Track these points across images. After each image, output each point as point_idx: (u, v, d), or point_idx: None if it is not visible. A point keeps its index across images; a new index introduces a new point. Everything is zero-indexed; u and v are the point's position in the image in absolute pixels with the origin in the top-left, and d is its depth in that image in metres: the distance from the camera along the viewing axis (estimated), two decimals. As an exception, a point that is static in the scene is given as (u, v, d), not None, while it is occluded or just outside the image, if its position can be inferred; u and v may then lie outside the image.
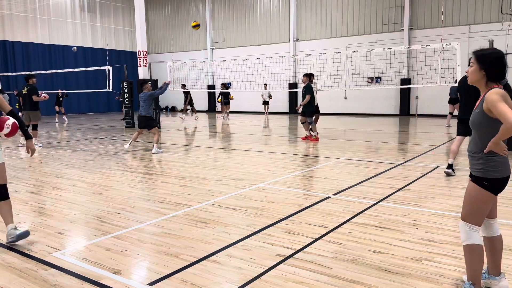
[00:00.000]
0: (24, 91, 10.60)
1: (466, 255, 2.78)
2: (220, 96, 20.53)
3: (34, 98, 10.49)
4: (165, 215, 4.74)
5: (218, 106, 22.94)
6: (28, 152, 4.09)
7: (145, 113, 9.83)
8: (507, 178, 2.74)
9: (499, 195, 2.83)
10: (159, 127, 15.83)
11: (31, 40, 24.14)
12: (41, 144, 11.05)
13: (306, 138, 11.49)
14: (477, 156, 2.74)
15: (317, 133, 11.57)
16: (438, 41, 17.03)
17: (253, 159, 8.72)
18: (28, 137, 4.06)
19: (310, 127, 11.49)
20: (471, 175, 2.82)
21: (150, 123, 9.84)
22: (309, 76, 11.44)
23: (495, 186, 2.72)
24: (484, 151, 2.67)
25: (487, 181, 2.71)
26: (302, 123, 11.66)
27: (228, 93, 20.83)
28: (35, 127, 10.70)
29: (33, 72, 20.87)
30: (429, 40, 18.77)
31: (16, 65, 23.39)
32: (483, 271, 2.93)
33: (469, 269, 2.76)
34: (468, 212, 2.79)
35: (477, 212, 2.76)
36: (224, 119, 20.30)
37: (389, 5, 20.76)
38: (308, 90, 11.18)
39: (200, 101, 27.75)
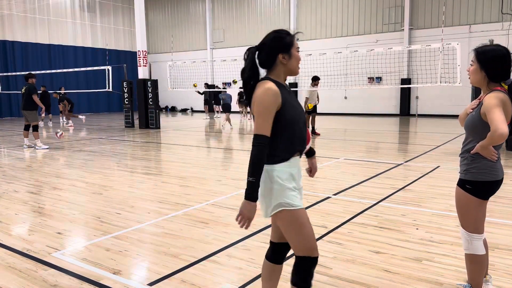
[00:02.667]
0: (23, 90, 10.37)
1: (466, 263, 2.71)
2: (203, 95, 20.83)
3: (35, 98, 10.22)
4: (164, 215, 4.73)
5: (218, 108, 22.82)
6: (310, 173, 2.64)
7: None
8: (496, 182, 2.53)
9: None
10: (159, 127, 15.84)
11: (30, 40, 24.13)
12: (47, 146, 10.57)
13: None
14: (464, 156, 2.59)
15: None
16: (438, 41, 17.02)
17: (253, 159, 8.70)
18: (311, 153, 2.62)
19: None
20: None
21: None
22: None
23: (480, 190, 2.52)
24: (471, 151, 2.51)
25: (470, 184, 2.54)
26: None
27: (209, 92, 20.91)
28: (35, 128, 10.44)
29: (33, 72, 20.93)
30: (429, 40, 18.76)
31: (16, 65, 23.39)
32: None
33: (470, 275, 2.71)
34: (462, 220, 2.64)
35: (470, 220, 2.59)
36: (208, 118, 20.48)
37: (389, 5, 20.75)
38: None
39: (200, 101, 27.73)
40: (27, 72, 12.39)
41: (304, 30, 23.61)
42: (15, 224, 4.55)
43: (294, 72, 2.32)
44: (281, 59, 2.24)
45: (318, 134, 12.46)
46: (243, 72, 2.28)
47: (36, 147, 10.42)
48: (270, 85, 2.16)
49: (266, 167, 2.18)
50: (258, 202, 2.19)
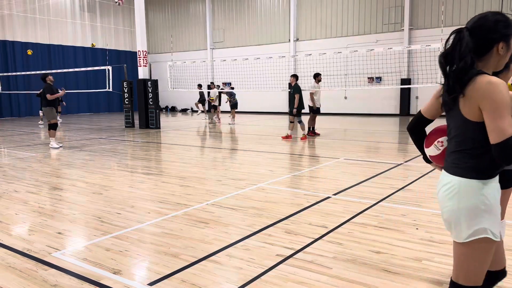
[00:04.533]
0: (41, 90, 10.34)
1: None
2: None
3: (48, 96, 10.07)
4: (165, 215, 4.73)
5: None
6: None
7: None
8: None
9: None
10: (159, 127, 15.84)
11: (30, 40, 24.14)
12: (60, 145, 10.40)
13: (287, 137, 11.74)
14: None
15: (305, 133, 11.87)
16: (438, 41, 17.02)
17: (253, 159, 8.71)
18: None
19: (299, 126, 11.74)
20: None
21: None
22: (296, 77, 11.84)
23: None
24: None
25: None
26: (290, 122, 11.89)
27: (202, 93, 20.77)
28: (51, 127, 10.30)
29: (33, 72, 20.95)
30: (429, 40, 18.76)
31: (16, 65, 23.40)
32: None
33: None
34: None
35: None
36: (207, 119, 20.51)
37: (389, 5, 20.76)
38: (296, 90, 11.55)
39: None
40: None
41: (304, 30, 23.63)
42: (15, 224, 4.55)
43: (500, 68, 1.91)
44: (499, 49, 1.82)
45: (318, 134, 12.47)
46: (451, 58, 1.85)
47: (50, 145, 10.39)
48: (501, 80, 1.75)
49: (475, 182, 1.82)
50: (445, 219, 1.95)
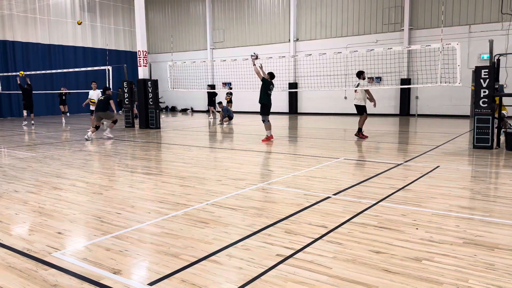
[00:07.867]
0: (101, 97, 12.65)
1: None
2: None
3: (112, 102, 12.52)
4: (165, 215, 4.74)
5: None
6: None
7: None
8: None
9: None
10: (159, 127, 15.85)
11: (31, 40, 24.14)
12: (112, 136, 12.92)
13: (267, 139, 11.34)
14: None
15: (270, 134, 11.49)
16: (438, 41, 17.03)
17: (253, 159, 8.71)
18: None
19: (265, 125, 11.45)
20: None
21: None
22: (271, 75, 11.29)
23: None
24: None
25: None
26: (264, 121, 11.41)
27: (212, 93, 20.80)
28: (115, 122, 12.88)
29: (32, 72, 20.96)
30: (429, 40, 18.77)
31: (16, 65, 23.40)
32: None
33: None
34: None
35: None
36: (212, 118, 20.50)
37: (389, 5, 20.77)
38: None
39: (201, 101, 27.76)
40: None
41: (304, 30, 23.63)
42: (15, 224, 4.55)
43: None
44: None
45: (367, 137, 11.80)
46: None
47: (105, 133, 13.04)
48: None
49: None
50: None
